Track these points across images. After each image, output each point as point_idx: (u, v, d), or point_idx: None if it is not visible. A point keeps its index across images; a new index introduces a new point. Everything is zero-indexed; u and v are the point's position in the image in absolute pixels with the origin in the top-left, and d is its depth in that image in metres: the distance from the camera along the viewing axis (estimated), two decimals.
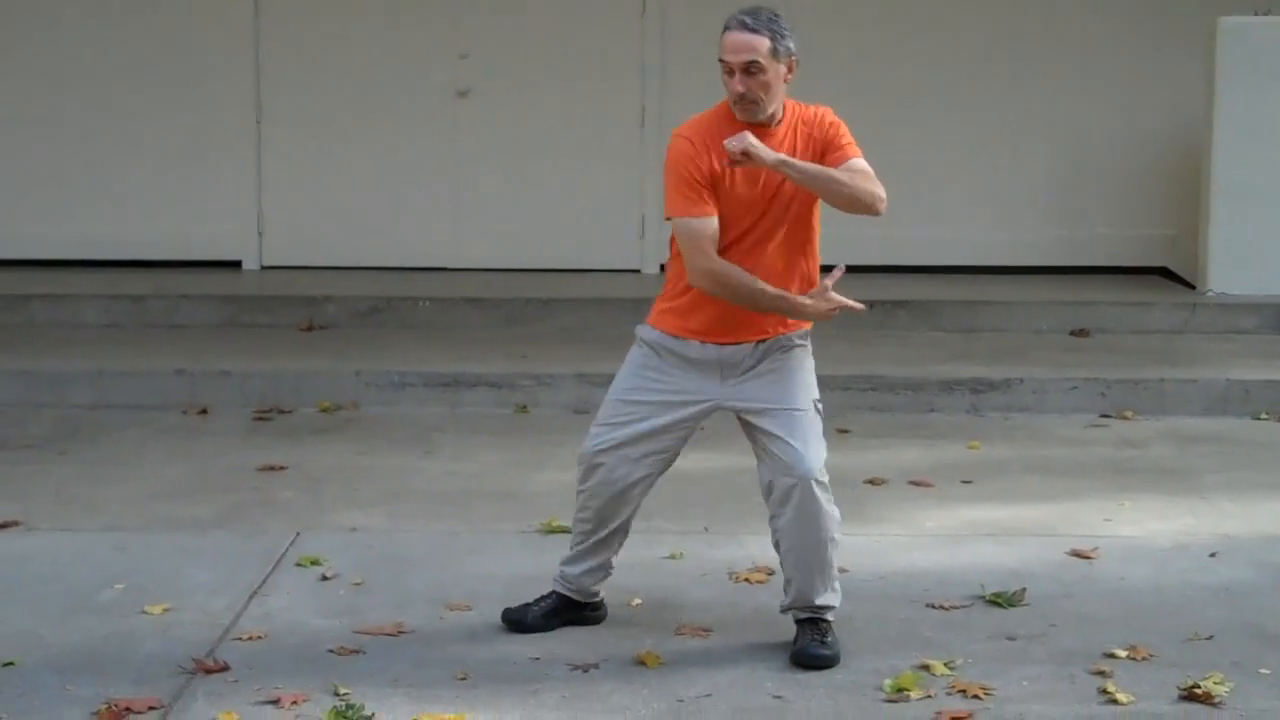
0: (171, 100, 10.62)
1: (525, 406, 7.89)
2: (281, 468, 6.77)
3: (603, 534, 4.84)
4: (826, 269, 4.69)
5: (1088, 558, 5.59)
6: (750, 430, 4.72)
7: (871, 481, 6.58)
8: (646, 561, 5.46)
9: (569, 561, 4.92)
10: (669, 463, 4.82)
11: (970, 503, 6.35)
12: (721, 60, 4.56)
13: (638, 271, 10.76)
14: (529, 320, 9.33)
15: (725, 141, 4.44)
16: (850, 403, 7.83)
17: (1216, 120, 9.82)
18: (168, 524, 5.97)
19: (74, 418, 7.66)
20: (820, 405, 4.73)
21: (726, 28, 4.57)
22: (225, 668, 4.52)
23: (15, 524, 5.92)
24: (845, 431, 7.37)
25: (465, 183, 10.75)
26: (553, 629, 4.85)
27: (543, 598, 4.92)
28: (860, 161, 4.59)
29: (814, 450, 4.61)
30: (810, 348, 4.79)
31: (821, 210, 4.72)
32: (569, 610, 4.90)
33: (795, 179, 4.50)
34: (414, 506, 6.25)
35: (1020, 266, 10.70)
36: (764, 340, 4.68)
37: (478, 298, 9.49)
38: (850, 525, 5.93)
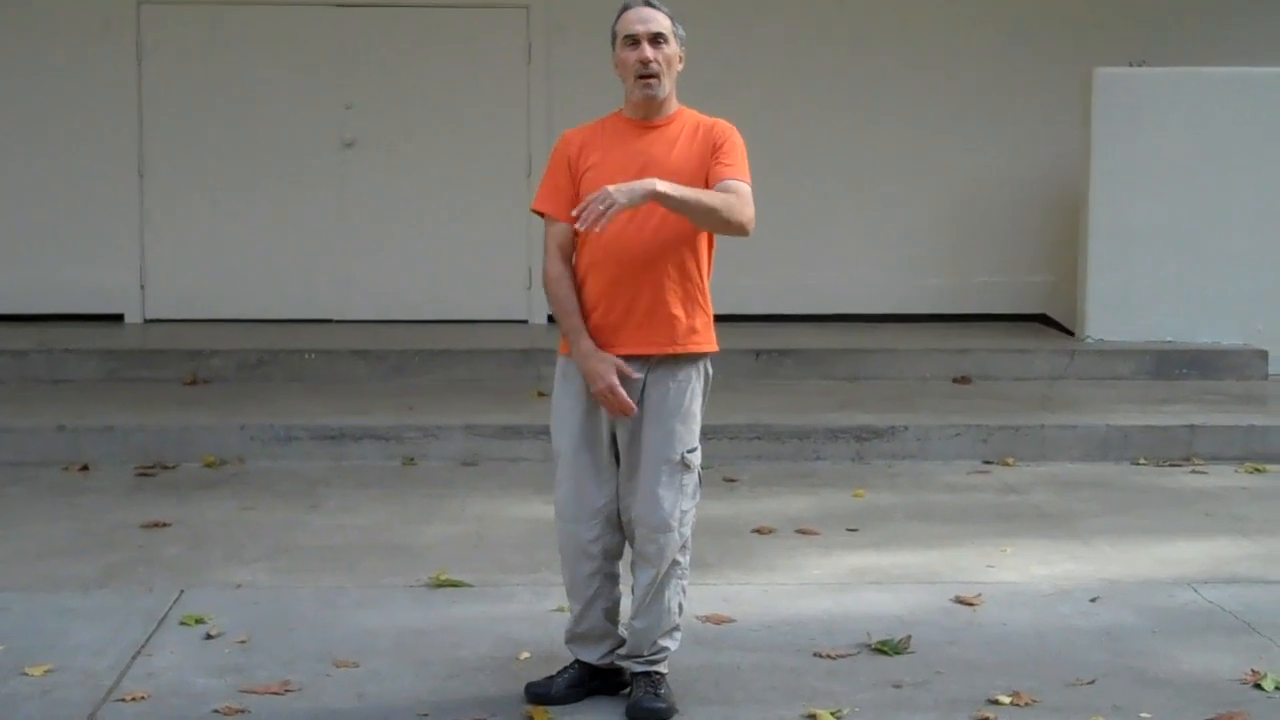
0: (52, 153, 10.54)
1: (413, 459, 7.87)
2: (165, 524, 6.70)
3: (576, 603, 4.77)
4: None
5: (971, 604, 5.65)
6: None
7: (759, 531, 6.61)
8: (535, 614, 5.46)
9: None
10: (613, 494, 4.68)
11: (856, 550, 6.39)
12: (627, 35, 4.53)
13: (525, 322, 10.78)
14: (416, 372, 9.31)
15: (582, 220, 4.27)
16: (737, 452, 7.87)
17: (1094, 169, 10.02)
18: (50, 583, 5.89)
19: None
20: (692, 456, 4.62)
21: (627, 6, 4.58)
22: None
23: None
24: (733, 481, 7.41)
25: (351, 233, 10.73)
26: (578, 700, 4.72)
27: (565, 668, 4.80)
28: (734, 183, 4.51)
29: (667, 502, 4.57)
30: (703, 375, 4.65)
31: (709, 252, 4.66)
32: (592, 679, 4.78)
33: (673, 208, 4.40)
34: (300, 562, 6.20)
35: (904, 314, 10.84)
36: (650, 356, 4.57)
37: (364, 349, 9.46)
38: (738, 574, 5.99)
